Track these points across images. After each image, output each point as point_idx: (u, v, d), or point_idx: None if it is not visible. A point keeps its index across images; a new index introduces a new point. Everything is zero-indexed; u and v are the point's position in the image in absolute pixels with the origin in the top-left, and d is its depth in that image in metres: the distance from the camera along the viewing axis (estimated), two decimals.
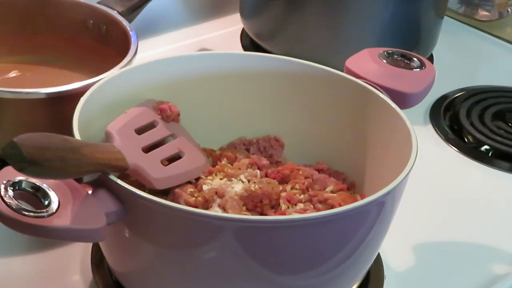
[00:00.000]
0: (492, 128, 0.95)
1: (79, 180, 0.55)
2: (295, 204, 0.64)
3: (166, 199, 0.59)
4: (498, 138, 0.92)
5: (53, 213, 0.52)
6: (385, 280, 0.71)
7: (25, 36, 0.87)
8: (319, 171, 0.70)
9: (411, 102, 0.70)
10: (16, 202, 0.51)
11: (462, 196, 0.85)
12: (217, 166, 0.69)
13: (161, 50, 1.04)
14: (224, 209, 0.61)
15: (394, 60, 0.73)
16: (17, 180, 0.53)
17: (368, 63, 0.72)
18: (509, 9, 1.24)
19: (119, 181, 0.54)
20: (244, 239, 0.54)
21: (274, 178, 0.67)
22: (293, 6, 0.98)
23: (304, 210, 0.63)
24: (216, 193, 0.63)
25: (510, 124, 0.97)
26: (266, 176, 0.68)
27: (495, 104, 1.00)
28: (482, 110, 0.98)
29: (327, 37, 0.98)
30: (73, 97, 0.63)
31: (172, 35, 1.09)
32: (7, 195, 0.51)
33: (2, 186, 0.52)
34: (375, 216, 0.57)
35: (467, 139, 0.94)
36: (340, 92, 0.71)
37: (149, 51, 0.98)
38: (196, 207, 0.62)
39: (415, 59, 0.74)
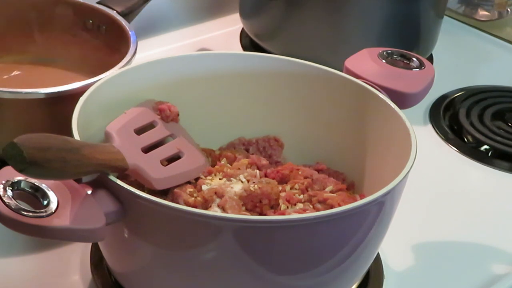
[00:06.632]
0: (491, 128, 0.95)
1: (78, 180, 0.55)
2: (295, 204, 0.64)
3: (165, 199, 0.59)
4: (498, 138, 0.92)
5: (52, 213, 0.52)
6: (384, 280, 0.71)
7: (25, 36, 0.87)
8: (318, 171, 0.70)
9: (410, 102, 0.70)
10: (15, 202, 0.51)
11: (461, 196, 0.85)
12: (216, 166, 0.69)
13: (160, 50, 1.04)
14: (223, 209, 0.61)
15: (393, 60, 0.74)
16: (16, 180, 0.53)
17: (367, 63, 0.72)
18: (508, 9, 1.24)
19: (119, 181, 0.54)
20: (244, 239, 0.54)
21: (273, 178, 0.67)
22: (292, 6, 0.98)
23: (304, 210, 0.63)
24: (215, 193, 0.63)
25: (509, 124, 0.97)
26: (266, 176, 0.68)
27: (494, 104, 1.00)
28: (482, 110, 0.98)
29: (327, 37, 0.98)
30: (72, 97, 0.63)
31: (171, 35, 1.09)
32: (6, 195, 0.51)
33: (1, 186, 0.52)
34: (375, 216, 0.57)
35: (467, 139, 0.94)
36: (339, 92, 0.71)
37: (149, 51, 0.98)
38: (195, 207, 0.62)
39: (414, 59, 0.74)
